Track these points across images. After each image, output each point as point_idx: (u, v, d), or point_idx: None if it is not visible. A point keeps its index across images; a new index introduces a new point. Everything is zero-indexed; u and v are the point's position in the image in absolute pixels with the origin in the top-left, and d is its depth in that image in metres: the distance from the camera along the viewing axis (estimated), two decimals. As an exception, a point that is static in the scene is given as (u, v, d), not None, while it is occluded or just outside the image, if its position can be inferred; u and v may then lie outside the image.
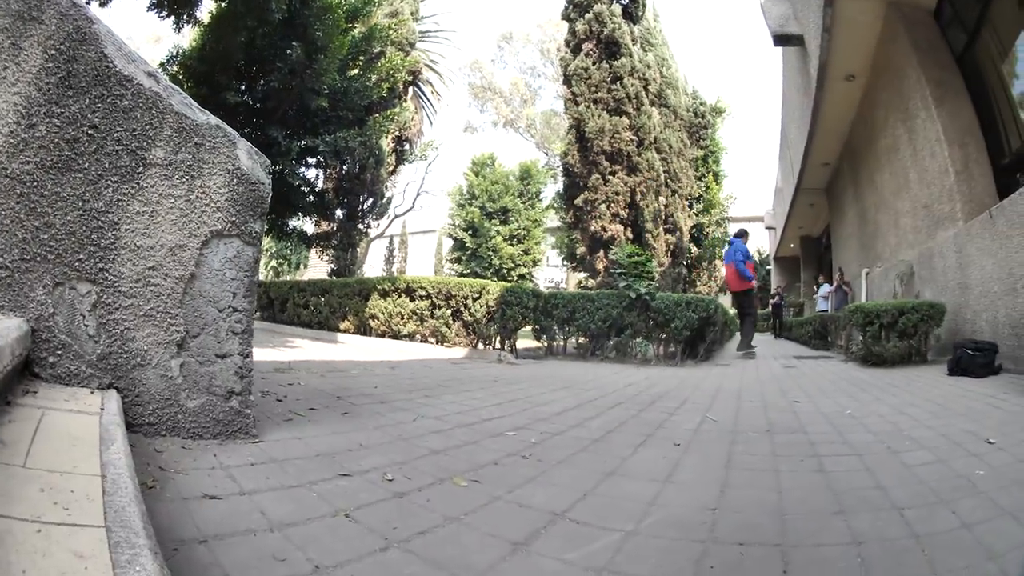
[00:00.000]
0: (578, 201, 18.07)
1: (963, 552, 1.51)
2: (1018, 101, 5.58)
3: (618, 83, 17.77)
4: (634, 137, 17.84)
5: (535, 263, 26.63)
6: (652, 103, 18.85)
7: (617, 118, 17.57)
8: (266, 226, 12.43)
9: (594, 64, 18.03)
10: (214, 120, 2.07)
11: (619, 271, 8.13)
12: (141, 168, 1.91)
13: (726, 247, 9.78)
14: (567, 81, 18.61)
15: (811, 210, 17.76)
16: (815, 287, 16.57)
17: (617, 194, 17.53)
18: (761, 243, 32.50)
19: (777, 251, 26.64)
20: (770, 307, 22.05)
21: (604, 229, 17.32)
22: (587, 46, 18.10)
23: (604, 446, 2.65)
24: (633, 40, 18.44)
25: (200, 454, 1.85)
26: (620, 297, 7.57)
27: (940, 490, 1.97)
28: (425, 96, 23.84)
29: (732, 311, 11.77)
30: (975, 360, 4.87)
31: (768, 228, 28.45)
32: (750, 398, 4.42)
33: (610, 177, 17.52)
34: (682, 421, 3.35)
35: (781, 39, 10.68)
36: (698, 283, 21.87)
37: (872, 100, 9.27)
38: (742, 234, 9.08)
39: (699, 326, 7.29)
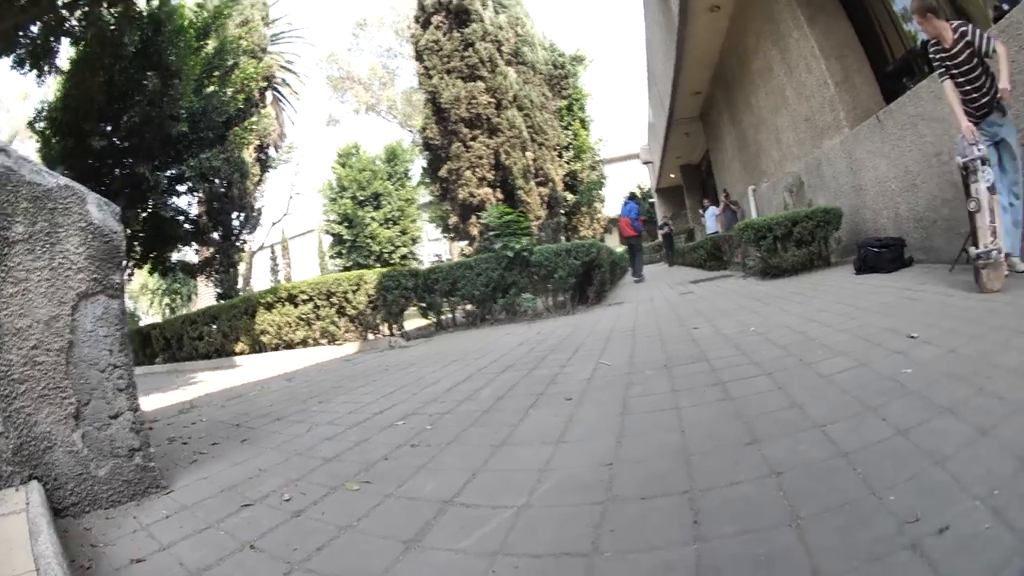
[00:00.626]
0: (442, 172, 18.23)
1: (903, 463, 1.34)
2: (900, 15, 5.86)
3: (470, 49, 17.82)
4: (491, 100, 18.01)
5: (414, 241, 27.18)
6: (509, 63, 19.06)
7: (472, 84, 17.74)
8: (147, 265, 11.72)
9: (444, 35, 18.05)
10: (63, 180, 2.07)
11: (493, 233, 8.22)
12: (6, 248, 1.88)
13: (623, 204, 12.28)
14: (419, 56, 18.58)
15: (687, 139, 18.53)
16: (700, 211, 16.95)
17: (480, 158, 17.73)
18: (641, 178, 33.97)
19: (659, 183, 27.71)
20: (660, 237, 22.79)
21: (472, 195, 17.66)
22: (436, 18, 18.15)
23: (494, 416, 2.58)
24: (484, 4, 18.45)
25: (122, 520, 1.86)
26: (498, 258, 7.62)
27: (865, 397, 1.84)
28: (283, 98, 23.31)
29: (620, 249, 15.11)
30: (882, 256, 5.08)
31: (645, 163, 29.43)
32: (646, 333, 4.34)
33: (472, 143, 17.77)
34: (575, 372, 3.26)
35: None
36: (581, 228, 22.45)
37: (741, 28, 9.55)
38: (633, 196, 12.50)
39: (583, 271, 7.30)
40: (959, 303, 3.07)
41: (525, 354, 4.33)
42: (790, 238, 6.71)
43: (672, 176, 25.76)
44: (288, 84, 23.37)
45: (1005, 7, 3.94)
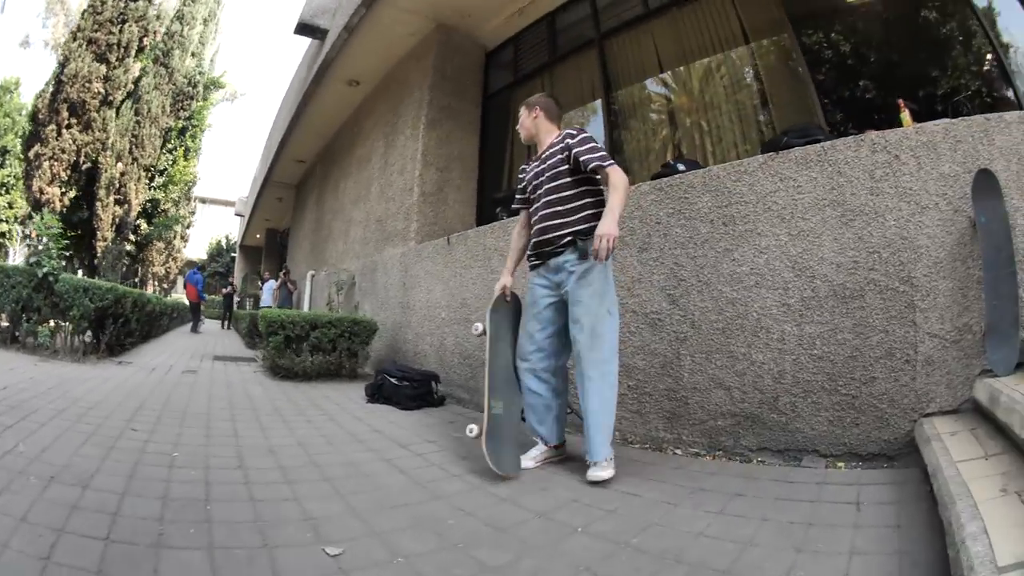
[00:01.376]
0: (31, 153, 15.45)
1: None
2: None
3: (120, 25, 15.77)
4: (102, 90, 15.70)
5: (20, 221, 20.85)
6: (156, 60, 17.26)
7: (98, 65, 15.58)
8: None
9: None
10: None
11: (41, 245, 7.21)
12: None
13: (192, 272, 13.27)
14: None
15: (279, 204, 16.57)
16: (259, 282, 15.63)
17: (63, 151, 15.27)
18: (235, 229, 30.29)
19: (243, 239, 24.46)
20: (222, 296, 20.22)
21: (42, 191, 15.33)
22: None
23: None
24: None
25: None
26: (30, 275, 6.16)
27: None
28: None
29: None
30: (400, 390, 4.12)
31: (238, 215, 26.17)
32: (87, 421, 2.78)
33: (63, 131, 15.36)
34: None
35: (305, 28, 8.98)
36: (154, 264, 19.91)
37: (368, 109, 8.66)
38: (203, 268, 13.15)
39: (96, 317, 6.06)
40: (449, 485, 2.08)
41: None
42: (305, 341, 5.29)
43: (258, 236, 22.97)
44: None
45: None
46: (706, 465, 2.50)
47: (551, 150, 2.52)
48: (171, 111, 18.11)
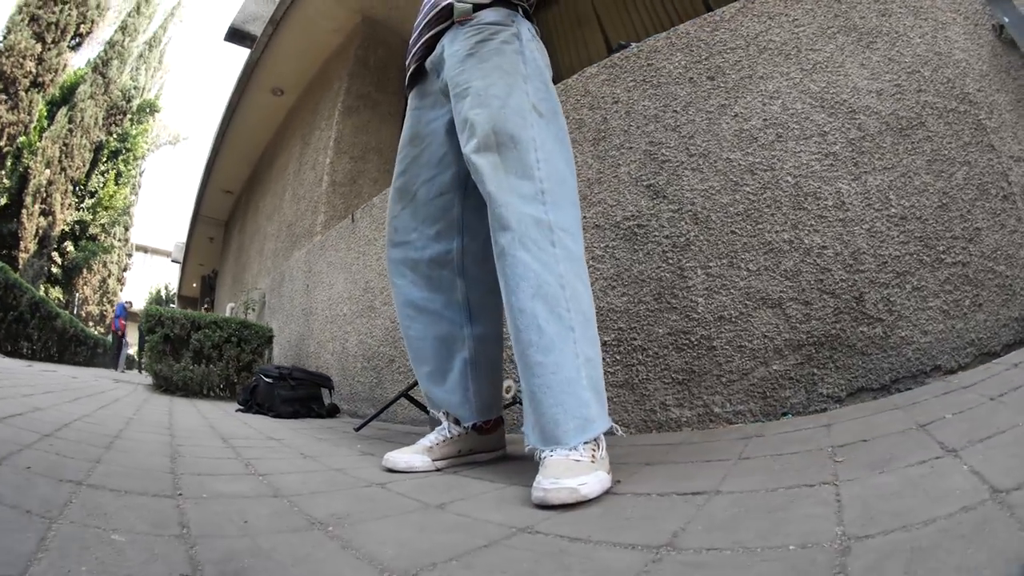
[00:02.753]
0: None
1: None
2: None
3: (62, 6, 14.81)
4: (33, 70, 14.26)
5: None
6: (95, 68, 16.19)
7: (34, 43, 14.34)
8: None
9: None
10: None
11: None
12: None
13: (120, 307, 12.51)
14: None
15: (210, 245, 14.97)
16: None
17: None
18: (172, 279, 28.30)
19: (180, 288, 22.43)
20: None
21: None
22: None
23: None
24: None
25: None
26: None
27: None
28: None
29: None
30: (274, 392, 2.86)
31: (174, 262, 24.29)
32: None
33: None
34: None
35: (236, 35, 8.07)
36: (89, 301, 18.25)
37: (291, 120, 7.63)
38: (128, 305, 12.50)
39: None
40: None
41: None
42: (187, 345, 3.96)
43: (194, 286, 21.00)
44: None
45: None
46: (780, 427, 1.32)
47: None
48: (103, 124, 16.73)
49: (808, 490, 0.74)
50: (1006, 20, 1.74)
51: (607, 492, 0.90)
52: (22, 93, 13.45)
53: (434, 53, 1.31)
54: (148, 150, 20.75)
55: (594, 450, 0.96)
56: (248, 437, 1.82)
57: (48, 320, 6.17)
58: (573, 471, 0.88)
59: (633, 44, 2.35)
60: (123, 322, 12.25)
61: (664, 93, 1.92)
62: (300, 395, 2.87)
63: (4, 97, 13.43)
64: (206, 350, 4.01)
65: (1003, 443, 0.71)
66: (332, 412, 3.02)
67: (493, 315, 1.39)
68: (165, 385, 3.95)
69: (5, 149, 13.54)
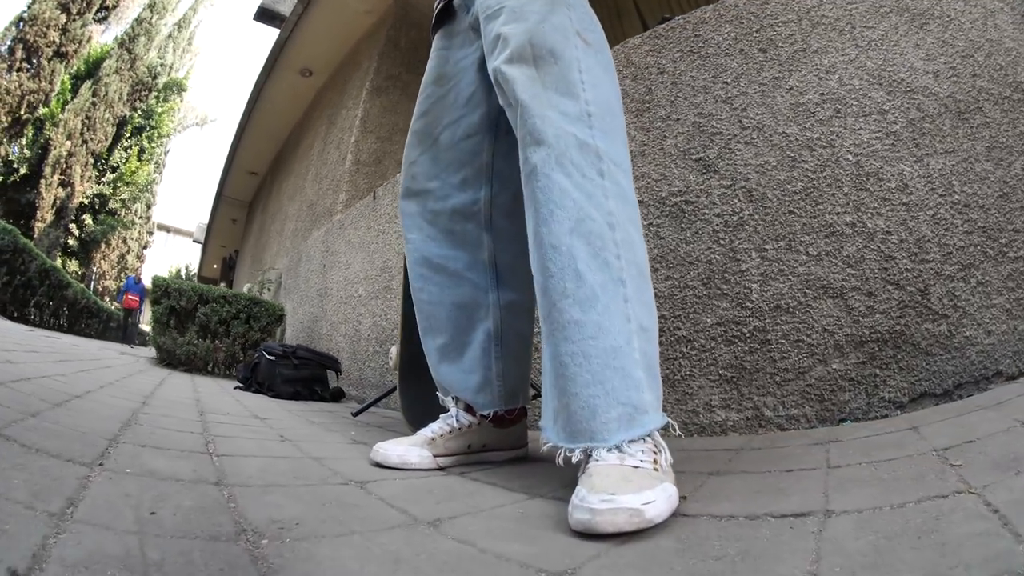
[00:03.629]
0: None
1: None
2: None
3: None
4: (56, 40, 14.09)
5: None
6: (121, 44, 16.15)
7: (59, 13, 14.23)
8: None
9: None
10: None
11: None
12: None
13: (136, 283, 12.19)
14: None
15: (233, 227, 15.15)
16: None
17: (7, 92, 13.52)
18: (193, 259, 29.03)
19: (201, 269, 22.81)
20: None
21: None
22: None
23: None
24: None
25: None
26: None
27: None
28: None
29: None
30: (276, 370, 2.80)
31: (196, 242, 24.78)
32: None
33: (14, 73, 13.78)
34: None
35: (265, 14, 8.12)
36: (107, 275, 18.22)
37: (318, 100, 7.65)
38: (139, 280, 12.16)
39: None
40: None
41: None
42: (193, 320, 3.95)
43: (215, 267, 21.32)
44: None
45: None
46: (855, 431, 1.17)
47: None
48: (128, 100, 16.93)
49: (946, 501, 0.59)
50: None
51: (675, 514, 0.66)
52: (44, 62, 13.76)
53: None
54: (175, 129, 21.07)
55: (655, 452, 0.72)
56: (230, 413, 1.70)
57: (58, 289, 6.24)
58: (633, 483, 0.64)
59: (679, 16, 2.26)
60: (131, 296, 11.85)
61: (713, 64, 1.83)
62: (303, 375, 2.81)
63: (27, 66, 13.72)
64: (212, 325, 3.99)
65: None
66: (337, 396, 2.94)
67: (525, 281, 1.04)
68: (168, 359, 3.94)
69: (25, 117, 13.80)
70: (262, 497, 0.70)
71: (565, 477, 0.77)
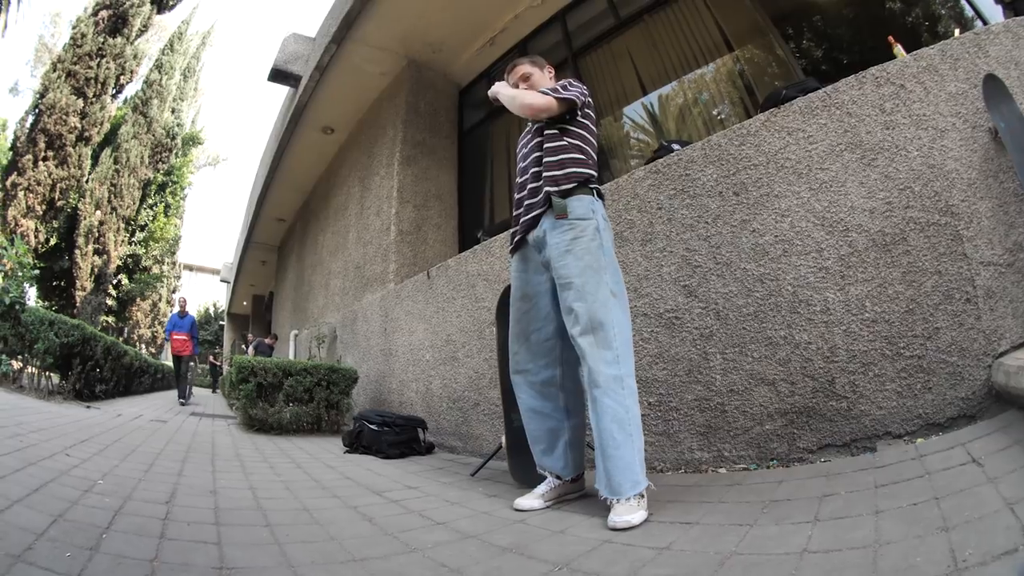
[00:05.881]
0: (8, 182, 15.40)
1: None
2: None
3: (99, 60, 15.85)
4: (78, 125, 15.57)
5: None
6: (135, 108, 17.29)
7: (75, 98, 15.63)
8: None
9: (95, 34, 16.05)
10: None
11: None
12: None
13: (182, 318, 10.01)
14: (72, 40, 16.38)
15: (263, 268, 16.20)
16: (243, 346, 15.43)
17: (38, 183, 15.11)
18: (219, 296, 30.33)
19: (230, 307, 24.04)
20: (208, 365, 20.80)
21: (17, 221, 15.06)
22: (103, 13, 16.38)
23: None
24: (145, 27, 16.86)
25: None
26: None
27: None
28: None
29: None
30: (382, 437, 3.64)
31: (223, 281, 25.92)
32: (21, 439, 2.48)
33: (40, 163, 15.40)
34: None
35: (279, 75, 8.90)
36: (141, 325, 19.44)
37: (343, 157, 8.49)
38: (185, 313, 9.80)
39: (63, 354, 5.72)
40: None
41: None
42: (279, 390, 4.81)
43: (244, 304, 22.54)
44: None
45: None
46: (765, 476, 2.03)
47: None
48: (150, 162, 18.10)
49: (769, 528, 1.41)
50: (1002, 125, 2.00)
51: (645, 520, 1.65)
52: (69, 148, 14.69)
53: (535, 232, 2.05)
54: (190, 175, 22.20)
55: (640, 497, 1.70)
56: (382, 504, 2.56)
57: (118, 359, 7.22)
58: (629, 511, 1.64)
59: (676, 146, 3.00)
60: (177, 336, 9.36)
61: (698, 204, 2.58)
62: (403, 439, 3.66)
63: (51, 153, 14.80)
64: (298, 393, 4.84)
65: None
66: (430, 449, 3.80)
67: (581, 413, 2.14)
68: (259, 425, 4.81)
69: (60, 203, 14.86)
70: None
71: (600, 506, 1.78)
